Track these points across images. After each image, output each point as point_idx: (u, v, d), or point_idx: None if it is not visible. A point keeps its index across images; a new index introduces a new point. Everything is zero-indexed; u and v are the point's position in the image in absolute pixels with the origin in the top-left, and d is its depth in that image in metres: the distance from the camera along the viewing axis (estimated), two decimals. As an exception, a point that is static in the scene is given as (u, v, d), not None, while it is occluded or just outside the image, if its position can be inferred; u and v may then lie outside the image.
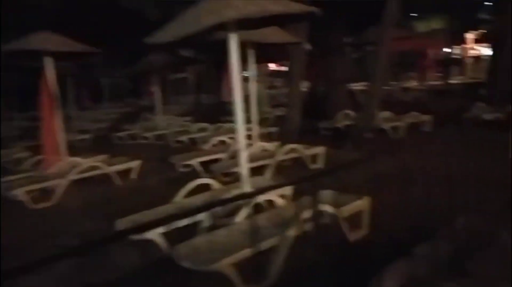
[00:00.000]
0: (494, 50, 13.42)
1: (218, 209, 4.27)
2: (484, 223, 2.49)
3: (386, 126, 9.23)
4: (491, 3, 16.21)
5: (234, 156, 6.54)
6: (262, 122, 12.26)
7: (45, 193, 6.35)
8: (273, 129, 10.29)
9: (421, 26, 18.81)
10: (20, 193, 6.04)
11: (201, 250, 3.55)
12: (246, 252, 3.53)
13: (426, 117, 9.84)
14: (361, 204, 4.29)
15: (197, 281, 3.50)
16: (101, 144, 11.50)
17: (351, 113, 10.83)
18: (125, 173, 7.25)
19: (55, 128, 6.97)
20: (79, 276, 3.81)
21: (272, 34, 6.50)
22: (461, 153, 2.83)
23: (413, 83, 17.66)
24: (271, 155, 6.79)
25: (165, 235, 3.97)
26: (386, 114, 9.92)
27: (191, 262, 3.39)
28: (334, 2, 10.95)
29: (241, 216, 4.13)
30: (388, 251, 2.89)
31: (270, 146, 7.32)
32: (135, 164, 7.37)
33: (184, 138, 10.41)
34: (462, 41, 20.19)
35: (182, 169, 7.25)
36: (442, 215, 2.52)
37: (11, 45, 6.61)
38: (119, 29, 16.00)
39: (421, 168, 3.20)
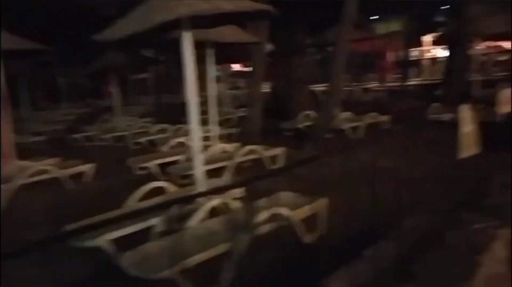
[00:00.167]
0: (449, 52, 13.85)
1: (172, 213, 4.14)
2: (433, 223, 2.47)
3: (346, 126, 9.32)
4: (447, 6, 16.71)
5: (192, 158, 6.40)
6: (224, 123, 12.19)
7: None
8: (235, 130, 10.19)
9: (381, 28, 19.20)
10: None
11: (151, 257, 3.41)
12: (198, 258, 3.42)
13: (384, 118, 10.01)
14: (317, 205, 4.26)
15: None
16: (56, 146, 11.05)
17: (312, 113, 10.87)
18: (78, 176, 6.97)
19: (3, 130, 6.61)
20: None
21: (231, 34, 6.40)
22: (415, 153, 2.83)
23: (373, 84, 18.01)
24: (230, 156, 6.69)
25: (115, 242, 3.80)
26: (346, 114, 10.02)
27: (139, 270, 3.24)
28: (296, 2, 11.01)
29: (195, 220, 4.01)
30: (342, 253, 2.86)
31: (229, 147, 7.22)
32: (88, 167, 7.09)
33: (143, 139, 10.15)
34: (420, 43, 20.80)
35: (139, 172, 7.04)
36: (394, 215, 2.50)
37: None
38: (76, 26, 15.48)
39: (376, 168, 3.17)
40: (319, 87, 15.67)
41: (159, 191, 4.98)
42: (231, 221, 4.05)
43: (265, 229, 3.87)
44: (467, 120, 2.75)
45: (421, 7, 16.95)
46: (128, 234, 3.97)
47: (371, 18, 19.56)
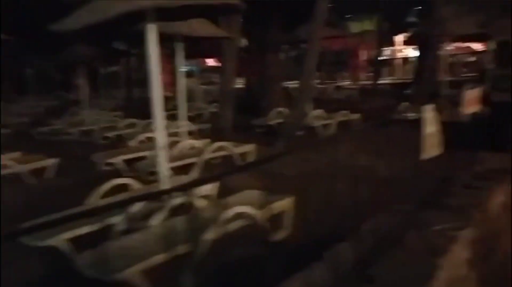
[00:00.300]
0: (420, 52, 14.07)
1: (134, 211, 4.01)
2: (393, 224, 2.45)
3: (317, 124, 9.33)
4: (419, 7, 16.97)
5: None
6: (196, 118, 12.04)
7: None
8: (206, 126, 10.07)
9: (354, 27, 19.38)
10: None
11: (109, 257, 3.28)
12: (159, 258, 3.31)
13: (355, 116, 10.08)
14: (284, 204, 4.21)
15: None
16: (20, 140, 10.66)
17: (285, 110, 10.84)
18: (40, 172, 6.72)
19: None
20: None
21: (201, 28, 6.26)
22: (380, 153, 2.82)
23: (345, 82, 18.16)
24: (199, 153, 6.57)
25: (73, 241, 3.64)
26: (317, 112, 10.03)
27: (96, 271, 3.11)
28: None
29: (157, 218, 3.90)
30: (307, 253, 2.81)
31: (198, 143, 7.09)
32: (51, 162, 6.84)
33: (111, 134, 9.90)
34: (392, 42, 21.09)
35: (104, 168, 6.83)
36: (356, 216, 2.46)
37: None
38: (44, 15, 14.92)
39: (344, 167, 3.14)
40: (293, 84, 15.68)
41: (123, 188, 4.84)
42: (195, 220, 3.96)
43: (230, 228, 3.80)
44: (430, 121, 2.74)
45: (393, 7, 17.16)
46: (87, 233, 3.83)
47: (344, 16, 19.72)
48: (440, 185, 3.16)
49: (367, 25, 19.62)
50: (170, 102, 12.12)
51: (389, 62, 22.45)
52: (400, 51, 22.23)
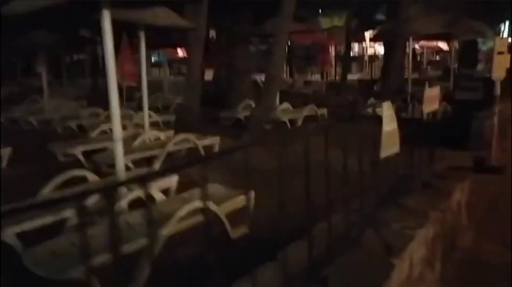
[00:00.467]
0: (387, 50, 14.27)
1: (89, 204, 3.85)
2: (349, 223, 2.40)
3: (284, 118, 9.30)
4: (387, 5, 17.16)
5: (123, 145, 6.06)
6: (162, 110, 11.80)
7: None
8: (172, 118, 9.85)
9: (324, 22, 19.45)
10: None
11: (58, 254, 3.12)
12: (109, 256, 3.17)
13: (322, 111, 10.10)
14: (245, 199, 4.14)
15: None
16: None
17: (252, 103, 10.75)
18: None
19: None
20: None
21: (165, 17, 6.08)
22: (343, 149, 2.78)
23: (314, 77, 18.26)
24: (161, 145, 6.41)
25: (23, 236, 3.46)
26: (284, 106, 10.00)
27: (45, 269, 2.95)
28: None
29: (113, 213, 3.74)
30: (266, 250, 2.74)
31: (162, 135, 6.92)
32: (4, 151, 6.52)
33: (73, 124, 9.54)
34: (362, 39, 21.33)
35: (62, 159, 6.58)
36: (316, 213, 2.41)
37: None
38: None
39: (303, 162, 3.07)
40: (262, 77, 15.60)
41: (79, 180, 4.65)
42: (152, 214, 3.83)
43: (188, 223, 3.70)
44: (389, 118, 2.72)
45: (363, 3, 17.30)
46: (39, 228, 3.65)
47: (314, 12, 19.76)
48: (399, 183, 3.15)
49: (337, 21, 19.76)
50: (135, 93, 11.88)
51: (358, 58, 22.73)
52: (369, 47, 22.56)
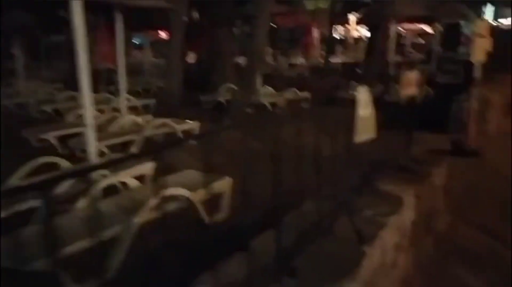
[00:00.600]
0: (371, 33, 14.16)
1: (61, 191, 3.73)
2: (322, 211, 2.35)
3: (266, 101, 9.19)
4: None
5: (99, 130, 5.91)
6: (143, 93, 11.58)
7: None
8: (152, 101, 9.66)
9: (308, 4, 19.20)
10: None
11: (26, 245, 3.01)
12: (83, 244, 3.09)
13: (304, 94, 10.02)
14: (221, 185, 4.06)
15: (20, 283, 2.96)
16: None
17: (234, 87, 10.61)
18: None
19: None
20: None
21: (141, -3, 5.92)
22: (321, 133, 2.71)
23: (298, 60, 18.09)
24: (139, 129, 6.27)
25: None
26: (266, 89, 9.89)
27: (10, 260, 2.85)
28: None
29: (85, 201, 3.64)
30: (241, 239, 2.68)
31: (140, 119, 6.77)
32: (-26, 136, 6.30)
33: (48, 108, 9.29)
34: (346, 21, 21.13)
35: (36, 144, 6.39)
36: (289, 200, 2.34)
37: None
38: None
39: (282, 147, 3.00)
40: (245, 60, 15.39)
41: (52, 167, 4.50)
42: (126, 201, 3.74)
43: (163, 210, 3.61)
44: (364, 103, 2.65)
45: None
46: (6, 217, 3.52)
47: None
48: (376, 168, 3.11)
49: (321, 3, 19.50)
50: (114, 76, 11.60)
51: (342, 41, 22.57)
52: (354, 30, 22.40)
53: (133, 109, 8.15)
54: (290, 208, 2.41)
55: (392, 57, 12.37)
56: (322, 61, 16.95)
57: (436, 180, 3.77)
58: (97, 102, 8.54)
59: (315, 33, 18.10)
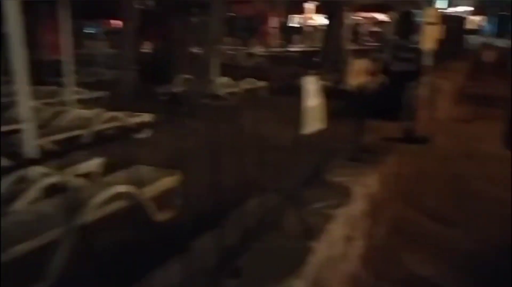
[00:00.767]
0: (327, 21, 14.22)
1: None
2: (269, 206, 2.27)
3: (222, 92, 9.05)
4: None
5: (42, 126, 5.60)
6: (95, 85, 11.14)
7: None
8: (104, 94, 9.30)
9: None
10: None
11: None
12: (20, 248, 2.90)
13: (262, 84, 9.94)
14: (171, 180, 3.93)
15: None
16: None
17: (191, 77, 10.38)
18: None
19: None
20: None
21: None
22: (277, 123, 2.65)
23: (255, 49, 17.98)
24: (87, 124, 5.99)
25: None
26: (223, 79, 9.73)
27: None
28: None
29: (24, 201, 3.42)
30: (192, 237, 2.57)
31: (88, 113, 6.47)
32: None
33: (-8, 102, 8.74)
34: (303, 10, 21.21)
35: (-23, 142, 5.99)
36: (234, 195, 2.26)
37: None
38: None
39: (236, 138, 2.90)
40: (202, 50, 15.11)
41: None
42: (69, 201, 3.54)
43: (109, 209, 3.45)
44: (312, 93, 2.58)
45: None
46: None
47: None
48: (326, 158, 3.07)
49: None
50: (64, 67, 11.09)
51: (299, 29, 22.64)
52: (311, 19, 22.51)
53: (84, 102, 7.82)
54: (235, 204, 2.32)
55: (349, 45, 12.48)
56: (280, 50, 16.92)
57: (386, 168, 3.79)
58: (44, 95, 8.15)
59: (273, 22, 18.00)
